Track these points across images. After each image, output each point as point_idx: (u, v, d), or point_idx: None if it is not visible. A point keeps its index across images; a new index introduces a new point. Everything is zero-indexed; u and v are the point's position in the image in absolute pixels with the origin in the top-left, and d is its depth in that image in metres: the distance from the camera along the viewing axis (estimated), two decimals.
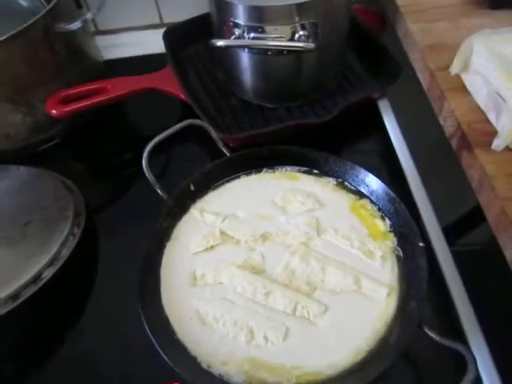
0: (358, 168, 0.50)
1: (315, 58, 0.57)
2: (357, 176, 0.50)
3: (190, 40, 0.71)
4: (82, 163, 0.62)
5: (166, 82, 0.61)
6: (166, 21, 0.77)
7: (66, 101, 0.56)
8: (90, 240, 0.51)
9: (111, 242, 0.51)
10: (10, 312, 0.40)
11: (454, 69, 0.45)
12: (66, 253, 0.45)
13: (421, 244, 0.43)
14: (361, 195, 0.49)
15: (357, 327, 0.40)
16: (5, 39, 0.47)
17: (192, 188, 0.50)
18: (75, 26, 0.51)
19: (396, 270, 0.44)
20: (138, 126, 0.66)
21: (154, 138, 0.50)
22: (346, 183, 0.51)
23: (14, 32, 0.47)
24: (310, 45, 0.49)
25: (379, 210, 0.48)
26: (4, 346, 0.44)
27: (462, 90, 0.44)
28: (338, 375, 0.37)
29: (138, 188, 0.57)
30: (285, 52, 0.54)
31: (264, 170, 0.53)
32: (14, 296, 0.40)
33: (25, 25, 0.48)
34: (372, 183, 0.49)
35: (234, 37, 0.52)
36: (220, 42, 0.50)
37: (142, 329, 0.39)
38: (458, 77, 0.45)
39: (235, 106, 0.64)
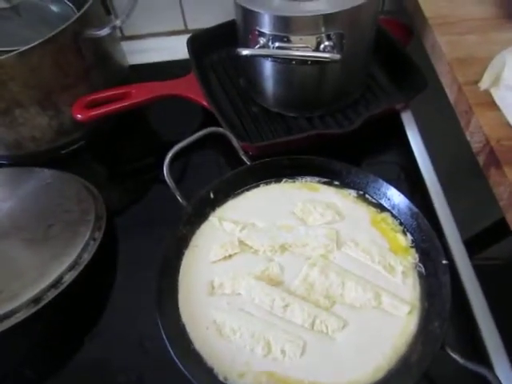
0: (380, 181, 0.49)
1: (340, 68, 0.56)
2: (378, 189, 0.49)
3: (214, 47, 0.71)
4: (104, 167, 0.63)
5: (189, 88, 0.62)
6: (190, 27, 0.78)
7: (91, 105, 0.57)
8: (110, 243, 0.51)
9: (130, 246, 0.52)
10: (32, 316, 0.40)
11: (484, 84, 0.44)
12: (86, 257, 0.46)
13: (444, 261, 0.42)
14: (382, 208, 0.49)
15: (376, 344, 0.39)
16: (37, 44, 0.48)
17: (212, 196, 0.50)
18: (104, 32, 0.52)
19: (418, 287, 0.43)
20: (159, 132, 0.66)
21: (175, 143, 0.50)
22: (367, 196, 0.50)
23: (46, 38, 0.48)
24: (336, 56, 0.49)
25: (400, 224, 0.47)
26: (24, 349, 0.44)
27: (491, 105, 0.43)
28: None
29: (158, 193, 0.57)
30: (309, 62, 0.54)
31: (284, 179, 0.53)
32: (35, 300, 0.41)
33: (56, 31, 0.49)
34: (394, 197, 0.48)
35: (258, 46, 0.52)
36: (246, 52, 0.50)
37: (159, 335, 0.40)
38: (486, 92, 0.44)
39: (256, 114, 0.63)
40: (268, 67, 0.58)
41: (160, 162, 0.50)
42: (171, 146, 0.50)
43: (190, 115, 0.66)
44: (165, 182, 0.49)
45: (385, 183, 0.48)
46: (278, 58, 0.53)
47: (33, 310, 0.40)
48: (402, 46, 0.65)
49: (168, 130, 0.65)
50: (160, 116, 0.67)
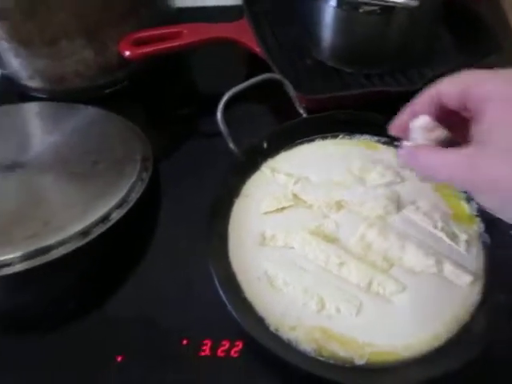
0: None
1: (408, 21, 0.52)
2: None
3: None
4: (147, 110, 0.60)
5: (242, 33, 0.58)
6: None
7: (140, 43, 0.54)
8: (157, 187, 0.49)
9: (177, 191, 0.50)
10: (80, 248, 0.39)
11: None
12: (134, 196, 0.44)
13: None
14: None
15: (435, 311, 0.37)
16: None
17: (265, 145, 0.48)
18: None
19: (482, 258, 0.40)
20: (206, 79, 0.63)
21: (222, 91, 0.47)
22: None
23: None
24: (414, 2, 0.45)
25: (465, 191, 0.44)
26: (69, 282, 0.44)
27: None
28: (416, 358, 0.34)
29: (205, 140, 0.55)
30: (378, 10, 0.50)
31: (340, 135, 0.50)
32: (84, 233, 0.39)
33: None
34: None
35: None
36: None
37: (206, 281, 0.38)
38: None
39: (311, 67, 0.60)
40: (330, 14, 0.53)
41: (207, 108, 0.47)
42: (218, 94, 0.47)
43: (238, 64, 0.63)
44: (212, 129, 0.47)
45: None
46: (348, 1, 0.49)
47: (81, 242, 0.39)
48: (473, 5, 0.60)
49: (215, 77, 0.62)
50: (207, 63, 0.63)
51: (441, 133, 0.31)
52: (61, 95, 0.58)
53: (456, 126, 0.31)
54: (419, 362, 0.35)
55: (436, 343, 0.35)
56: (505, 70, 0.28)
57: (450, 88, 0.30)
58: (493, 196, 0.28)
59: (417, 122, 0.32)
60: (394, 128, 0.34)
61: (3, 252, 0.37)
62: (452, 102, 0.30)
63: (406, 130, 0.33)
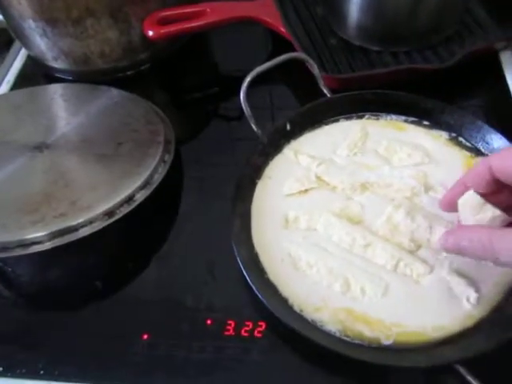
0: (479, 122, 0.44)
1: None
2: (477, 131, 0.44)
3: None
4: (170, 92, 0.60)
5: (266, 12, 0.57)
6: None
7: (164, 22, 0.54)
8: (179, 169, 0.50)
9: (198, 174, 0.50)
10: (105, 228, 0.39)
11: None
12: (157, 178, 0.44)
13: None
14: (478, 153, 0.44)
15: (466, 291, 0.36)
16: None
17: (288, 127, 0.47)
18: None
19: None
20: (230, 59, 0.62)
21: (247, 72, 0.46)
22: (460, 138, 0.45)
23: None
24: None
25: None
26: (97, 261, 0.45)
27: None
28: (447, 339, 0.34)
29: (227, 123, 0.55)
30: None
31: (366, 115, 0.49)
32: (109, 213, 0.40)
33: None
34: (494, 141, 0.43)
35: None
36: None
37: (229, 262, 0.38)
38: None
39: (334, 45, 0.58)
40: None
41: (229, 90, 0.47)
42: (241, 75, 0.46)
43: (260, 45, 0.63)
44: (235, 111, 0.47)
45: (485, 125, 0.43)
46: None
47: (107, 222, 0.39)
48: None
49: (237, 58, 0.61)
50: (228, 44, 0.63)
51: (491, 212, 0.29)
52: (85, 76, 0.59)
53: None
54: (450, 342, 0.34)
55: (467, 323, 0.35)
56: None
57: (503, 162, 0.28)
58: None
59: (462, 200, 0.30)
60: (443, 204, 0.33)
61: (33, 230, 0.38)
62: (505, 177, 0.28)
63: (455, 206, 0.31)
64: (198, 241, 0.44)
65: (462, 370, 0.32)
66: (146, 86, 0.59)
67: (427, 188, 0.42)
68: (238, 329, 0.39)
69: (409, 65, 0.51)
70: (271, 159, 0.46)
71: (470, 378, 0.32)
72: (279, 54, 0.49)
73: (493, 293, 0.36)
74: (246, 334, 0.39)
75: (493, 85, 0.53)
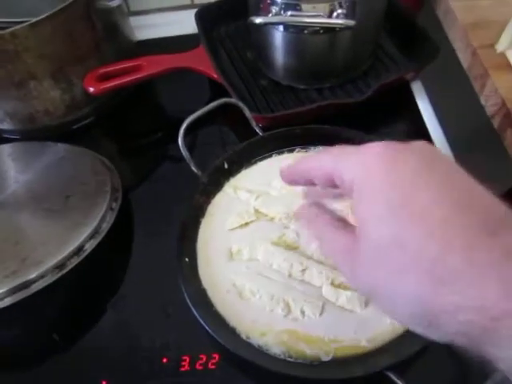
0: None
1: (351, 37, 0.56)
2: None
3: (221, 21, 0.70)
4: (115, 142, 0.63)
5: (199, 61, 0.61)
6: (196, 1, 0.77)
7: (103, 78, 0.57)
8: (127, 215, 0.52)
9: (146, 217, 0.53)
10: (57, 281, 0.41)
11: (501, 45, 0.44)
12: (106, 226, 0.46)
13: None
14: None
15: None
16: (51, 14, 0.48)
17: (226, 166, 0.51)
18: (115, 2, 0.52)
19: None
20: (169, 106, 0.66)
21: (185, 117, 0.50)
22: None
23: (59, 7, 0.48)
24: (351, 22, 0.49)
25: None
26: (52, 314, 0.46)
27: (507, 67, 0.43)
28: (378, 349, 0.37)
29: (171, 166, 0.58)
30: (321, 31, 0.54)
31: (297, 149, 0.53)
32: (60, 266, 0.42)
33: (69, 0, 0.49)
34: None
35: (271, 15, 0.52)
36: (259, 20, 0.50)
37: (180, 300, 0.41)
38: (501, 54, 0.44)
39: (266, 86, 0.63)
40: (279, 38, 0.57)
41: (171, 135, 0.50)
42: (182, 120, 0.50)
43: (198, 90, 0.66)
44: (177, 155, 0.50)
45: None
46: (291, 26, 0.53)
47: (58, 275, 0.41)
48: (411, 14, 0.64)
49: (177, 104, 0.65)
50: (169, 91, 0.67)
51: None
52: (32, 134, 0.61)
53: None
54: (383, 351, 0.38)
55: (398, 331, 0.38)
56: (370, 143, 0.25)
57: (317, 163, 0.28)
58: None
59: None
60: (285, 177, 0.32)
61: None
62: (318, 180, 0.28)
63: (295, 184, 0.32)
64: (150, 283, 0.46)
65: (393, 376, 0.36)
66: (92, 138, 0.62)
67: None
68: (192, 363, 0.41)
69: (331, 100, 0.57)
70: (213, 197, 0.50)
71: (400, 382, 0.35)
72: (218, 96, 0.53)
73: None
74: (200, 368, 0.41)
75: (407, 112, 0.60)
